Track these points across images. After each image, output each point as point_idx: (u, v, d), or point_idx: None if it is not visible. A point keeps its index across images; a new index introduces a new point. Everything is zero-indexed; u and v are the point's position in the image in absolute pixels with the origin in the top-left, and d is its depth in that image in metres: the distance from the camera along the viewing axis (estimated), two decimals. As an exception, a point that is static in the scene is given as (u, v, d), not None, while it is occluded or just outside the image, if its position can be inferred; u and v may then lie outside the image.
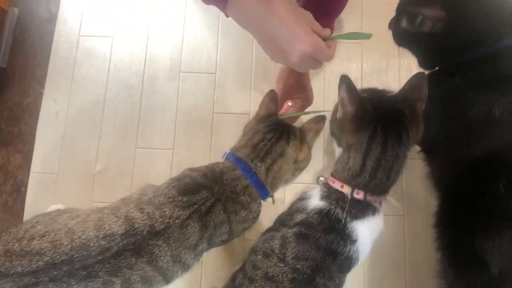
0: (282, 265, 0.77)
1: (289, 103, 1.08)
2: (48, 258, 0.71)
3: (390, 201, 0.84)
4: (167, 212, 0.78)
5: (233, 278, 0.85)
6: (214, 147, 1.34)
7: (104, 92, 1.39)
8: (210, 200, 0.81)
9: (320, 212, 0.80)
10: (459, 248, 0.88)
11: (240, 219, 0.85)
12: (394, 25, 1.01)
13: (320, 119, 0.92)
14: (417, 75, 0.80)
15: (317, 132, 0.92)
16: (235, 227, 0.85)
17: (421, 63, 1.02)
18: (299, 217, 0.81)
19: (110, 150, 1.34)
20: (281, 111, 1.08)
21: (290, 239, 0.79)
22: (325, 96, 1.36)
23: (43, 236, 0.75)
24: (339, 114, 0.83)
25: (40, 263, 0.71)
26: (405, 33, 0.97)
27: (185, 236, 0.78)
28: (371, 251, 0.84)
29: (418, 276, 1.22)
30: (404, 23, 0.95)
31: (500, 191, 0.78)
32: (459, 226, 0.87)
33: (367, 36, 0.79)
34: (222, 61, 1.42)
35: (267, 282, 0.76)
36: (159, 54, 1.43)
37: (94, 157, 1.33)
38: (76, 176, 1.32)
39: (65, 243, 0.73)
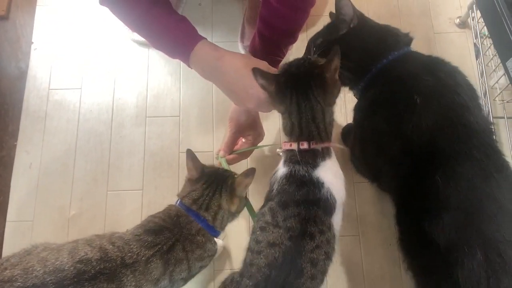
0: (277, 229, 0.89)
1: (243, 140, 1.21)
2: (19, 283, 0.76)
3: (335, 145, 1.00)
4: (135, 249, 0.88)
5: (244, 260, 0.96)
6: (181, 184, 1.43)
7: (75, 141, 1.48)
8: (171, 240, 0.92)
9: (286, 176, 0.94)
10: (413, 236, 1.02)
11: (196, 257, 0.96)
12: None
13: (250, 173, 1.02)
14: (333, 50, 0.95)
15: (247, 186, 1.04)
16: (192, 265, 0.96)
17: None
18: (275, 188, 0.95)
19: (83, 195, 1.42)
20: (236, 147, 1.20)
21: (276, 208, 0.92)
22: (280, 130, 1.49)
23: (16, 266, 0.80)
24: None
25: None
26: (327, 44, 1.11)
27: (149, 271, 0.87)
28: (332, 269, 0.95)
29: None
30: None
31: (438, 181, 0.93)
32: (411, 217, 1.02)
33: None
34: (185, 104, 1.55)
35: (271, 248, 0.88)
36: (125, 102, 1.54)
37: (68, 203, 1.41)
38: (51, 222, 1.39)
39: (38, 269, 0.78)
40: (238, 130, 1.18)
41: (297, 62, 0.98)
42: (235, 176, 1.05)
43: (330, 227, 0.92)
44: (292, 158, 0.95)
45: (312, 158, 0.93)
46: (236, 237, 1.36)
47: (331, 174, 0.94)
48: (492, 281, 0.84)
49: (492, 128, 1.01)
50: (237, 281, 0.93)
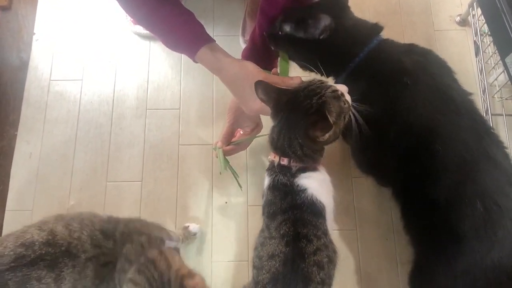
0: (273, 240, 0.90)
1: (241, 131, 1.22)
2: None
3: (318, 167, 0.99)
4: (83, 238, 0.85)
5: (252, 278, 0.96)
6: (180, 176, 1.44)
7: (75, 132, 1.49)
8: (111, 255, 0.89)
9: (269, 186, 0.96)
10: (413, 203, 1.10)
11: None
12: (273, 28, 1.11)
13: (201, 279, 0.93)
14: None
15: None
16: None
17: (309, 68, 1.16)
18: (263, 200, 0.98)
19: (82, 185, 1.43)
20: (234, 138, 1.21)
21: (267, 221, 0.94)
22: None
23: None
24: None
25: None
26: (287, 38, 1.09)
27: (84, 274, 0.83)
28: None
29: (371, 283, 1.33)
30: (288, 28, 1.08)
31: (438, 149, 0.99)
32: (412, 188, 1.09)
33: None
34: (186, 97, 1.55)
35: (272, 260, 0.88)
36: (126, 94, 1.55)
37: (67, 193, 1.42)
38: (50, 211, 1.37)
39: None
40: (237, 121, 1.19)
41: (310, 92, 0.91)
42: None
43: (326, 232, 0.92)
44: (274, 167, 0.97)
45: (292, 171, 0.95)
46: (236, 229, 1.37)
47: (315, 183, 0.95)
48: (488, 226, 0.94)
49: (471, 99, 1.07)
50: None
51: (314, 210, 0.91)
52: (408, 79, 1.02)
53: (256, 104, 0.96)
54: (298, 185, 0.93)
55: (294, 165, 0.94)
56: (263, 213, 0.98)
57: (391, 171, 1.15)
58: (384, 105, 1.05)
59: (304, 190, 0.92)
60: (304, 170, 0.95)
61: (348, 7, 1.13)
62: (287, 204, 0.91)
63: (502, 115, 1.47)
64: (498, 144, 1.03)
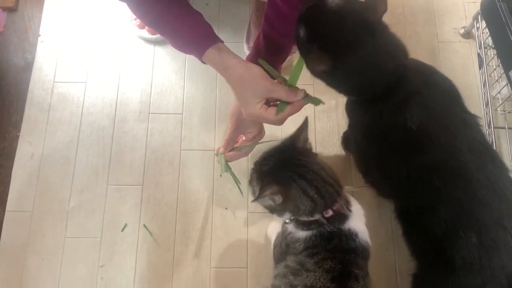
0: (311, 273, 0.88)
1: (243, 138, 1.21)
2: None
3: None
4: None
5: None
6: (181, 181, 1.44)
7: (77, 134, 1.49)
8: None
9: (316, 235, 0.93)
10: (414, 225, 1.10)
11: None
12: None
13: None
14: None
15: None
16: None
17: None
18: (298, 246, 0.94)
19: (83, 187, 1.43)
20: (236, 145, 1.20)
21: (302, 258, 0.92)
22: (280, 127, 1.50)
23: None
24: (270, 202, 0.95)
25: None
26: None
27: None
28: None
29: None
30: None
31: (435, 184, 0.97)
32: (410, 214, 1.10)
33: (318, 102, 0.95)
34: (189, 102, 1.55)
35: None
36: (129, 98, 1.55)
37: (68, 195, 1.42)
38: (50, 213, 1.39)
39: None
40: (239, 127, 1.19)
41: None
42: None
43: (367, 272, 0.95)
44: (315, 223, 0.94)
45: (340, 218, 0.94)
46: (235, 236, 1.37)
47: (360, 221, 0.97)
48: (484, 260, 0.92)
49: (480, 124, 1.04)
50: None
51: (364, 253, 0.94)
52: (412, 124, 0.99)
53: (255, 109, 0.95)
54: (350, 229, 0.93)
55: (336, 209, 0.93)
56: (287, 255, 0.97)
57: (392, 191, 1.16)
58: (389, 111, 1.02)
59: (357, 235, 0.93)
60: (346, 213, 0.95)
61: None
62: (333, 246, 0.91)
63: (505, 128, 1.47)
64: (502, 171, 1.00)
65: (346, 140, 1.45)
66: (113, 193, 1.43)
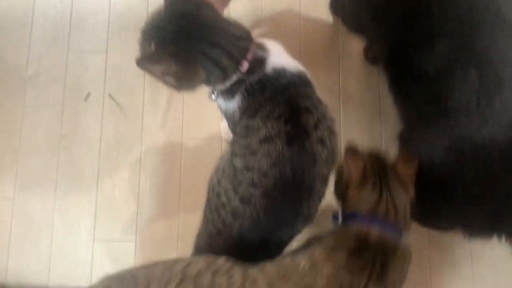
0: (263, 126, 0.79)
1: None
2: None
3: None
4: None
5: (220, 170, 0.85)
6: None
7: None
8: None
9: (244, 94, 0.83)
10: (402, 71, 0.94)
11: None
12: None
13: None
14: None
15: None
16: None
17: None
18: (237, 116, 0.85)
19: (41, 55, 1.30)
20: None
21: (248, 122, 0.82)
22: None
23: None
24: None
25: None
26: None
27: None
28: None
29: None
30: None
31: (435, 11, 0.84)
32: (403, 54, 0.93)
33: None
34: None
35: (266, 144, 0.77)
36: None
37: (25, 63, 1.29)
38: (6, 81, 1.28)
39: None
40: None
41: None
42: None
43: (320, 100, 0.84)
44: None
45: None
46: (208, 104, 1.26)
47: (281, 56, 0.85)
48: (482, 99, 0.78)
49: None
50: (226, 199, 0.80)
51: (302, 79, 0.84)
52: None
53: None
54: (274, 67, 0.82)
55: None
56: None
57: (384, 33, 1.01)
58: None
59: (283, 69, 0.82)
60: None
61: None
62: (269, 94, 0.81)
63: None
64: None
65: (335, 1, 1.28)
66: (74, 61, 1.30)
